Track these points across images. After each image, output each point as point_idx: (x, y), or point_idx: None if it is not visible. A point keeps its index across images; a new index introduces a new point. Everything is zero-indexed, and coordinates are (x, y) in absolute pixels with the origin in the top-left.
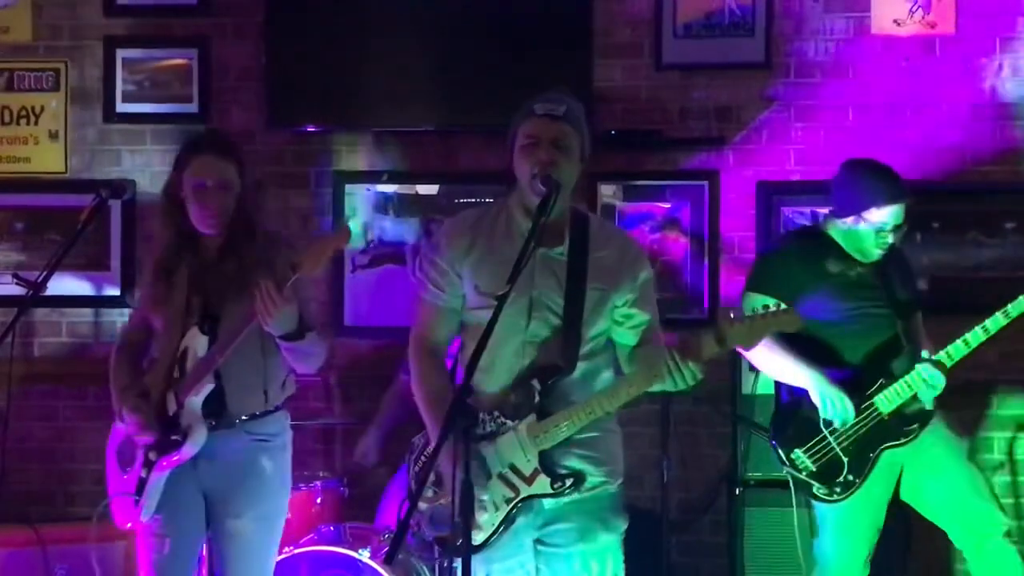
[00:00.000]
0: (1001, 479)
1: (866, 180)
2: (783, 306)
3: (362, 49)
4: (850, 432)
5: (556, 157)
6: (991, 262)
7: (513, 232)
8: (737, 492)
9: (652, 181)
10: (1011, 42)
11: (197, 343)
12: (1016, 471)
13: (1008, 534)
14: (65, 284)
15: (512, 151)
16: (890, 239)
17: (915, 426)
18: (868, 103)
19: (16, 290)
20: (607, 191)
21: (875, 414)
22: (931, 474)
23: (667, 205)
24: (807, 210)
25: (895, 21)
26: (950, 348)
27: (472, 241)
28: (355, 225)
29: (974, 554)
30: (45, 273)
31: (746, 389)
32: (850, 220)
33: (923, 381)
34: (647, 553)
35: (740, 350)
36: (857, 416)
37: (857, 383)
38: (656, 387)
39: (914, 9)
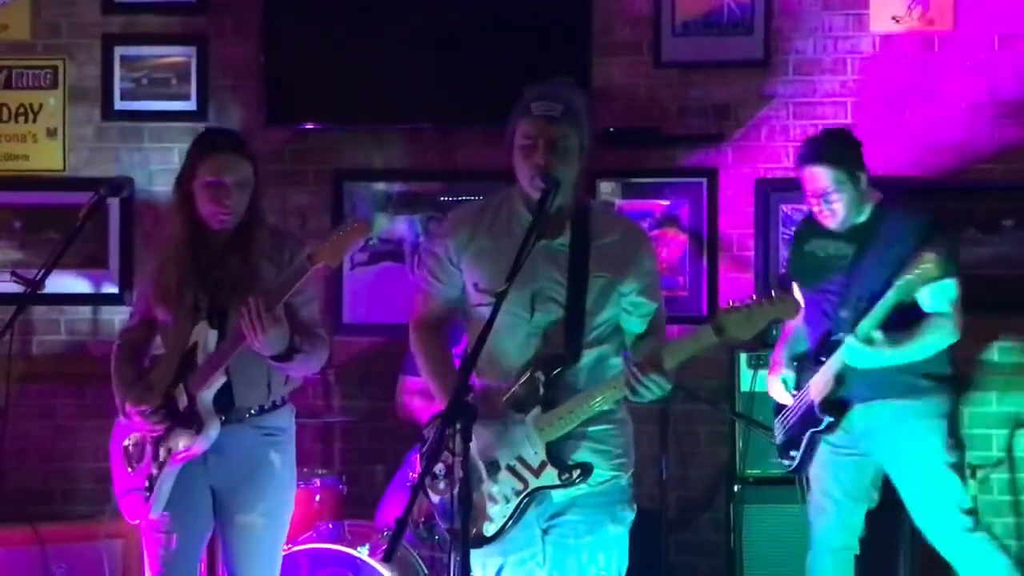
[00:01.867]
0: (999, 476)
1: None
2: (783, 293)
3: (361, 47)
4: (789, 413)
5: (552, 160)
6: (989, 260)
7: (514, 224)
8: (736, 490)
9: (651, 179)
10: (1010, 39)
11: (207, 337)
12: (1015, 468)
13: (970, 528)
14: (63, 282)
15: (511, 143)
16: (823, 207)
17: (830, 416)
18: (866, 100)
19: (14, 288)
20: (606, 188)
21: (807, 398)
22: (889, 469)
23: (666, 203)
24: (805, 207)
25: (894, 18)
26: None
27: (473, 233)
28: (383, 219)
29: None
30: (43, 271)
31: (745, 387)
32: None
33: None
34: (646, 551)
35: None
36: (796, 399)
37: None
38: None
39: (913, 6)
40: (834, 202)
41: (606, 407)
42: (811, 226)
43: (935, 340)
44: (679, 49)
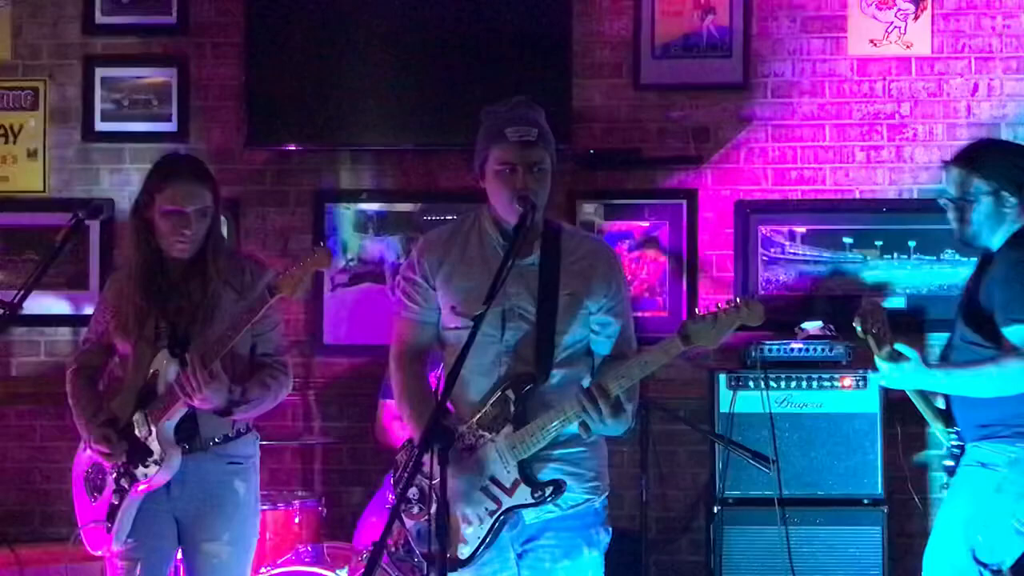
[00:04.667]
0: None
1: None
2: (749, 300)
3: (342, 68)
4: None
5: (532, 184)
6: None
7: (486, 246)
8: (715, 511)
9: (631, 200)
10: (986, 62)
11: (167, 366)
12: None
13: None
14: (44, 303)
15: (482, 168)
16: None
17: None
18: (844, 123)
19: None
20: (586, 210)
21: None
22: None
23: (646, 224)
24: (784, 229)
25: (871, 41)
26: None
27: (444, 256)
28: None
29: None
30: (22, 292)
31: (724, 407)
32: None
33: None
34: (626, 573)
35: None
36: None
37: None
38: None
39: (890, 30)
40: (962, 210)
41: (574, 424)
42: None
43: (990, 374)
44: (658, 71)
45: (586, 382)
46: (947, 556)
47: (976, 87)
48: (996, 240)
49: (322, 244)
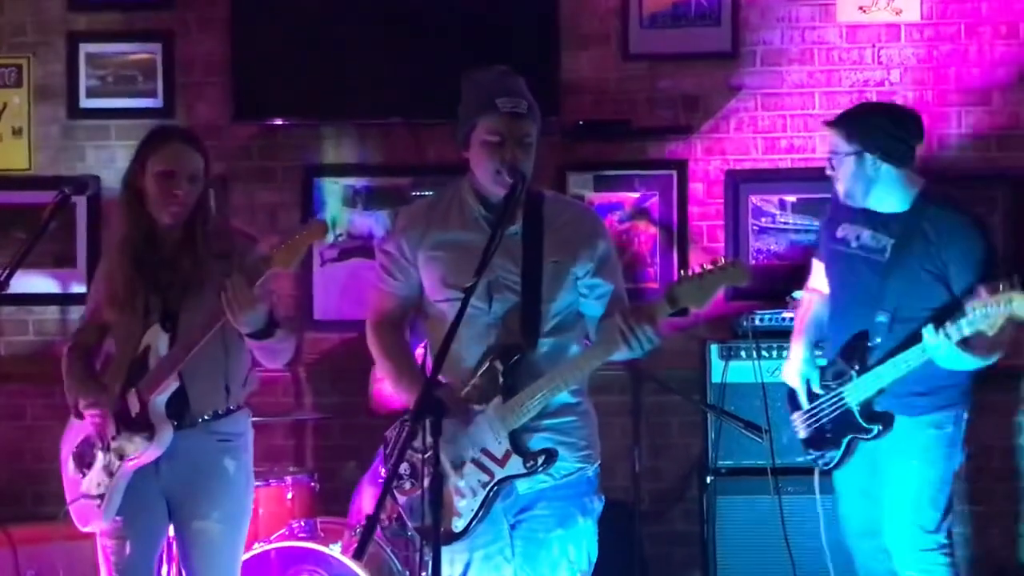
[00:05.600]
0: None
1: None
2: (734, 260)
3: (328, 42)
4: (827, 412)
5: (521, 156)
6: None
7: (467, 217)
8: (708, 481)
9: (621, 171)
10: (976, 28)
11: (159, 341)
12: None
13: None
14: (32, 282)
15: (466, 138)
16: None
17: (878, 426)
18: (834, 91)
19: None
20: (576, 181)
21: (842, 403)
22: (877, 475)
23: (636, 195)
24: (775, 198)
25: (861, 8)
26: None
27: (426, 229)
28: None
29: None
30: (8, 271)
31: (716, 377)
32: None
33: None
34: (619, 544)
35: None
36: (828, 399)
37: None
38: (617, 355)
39: None
40: (834, 168)
41: (566, 390)
42: (847, 205)
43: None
44: (647, 41)
45: (576, 350)
46: (919, 522)
47: (966, 53)
48: (885, 202)
49: (317, 216)
